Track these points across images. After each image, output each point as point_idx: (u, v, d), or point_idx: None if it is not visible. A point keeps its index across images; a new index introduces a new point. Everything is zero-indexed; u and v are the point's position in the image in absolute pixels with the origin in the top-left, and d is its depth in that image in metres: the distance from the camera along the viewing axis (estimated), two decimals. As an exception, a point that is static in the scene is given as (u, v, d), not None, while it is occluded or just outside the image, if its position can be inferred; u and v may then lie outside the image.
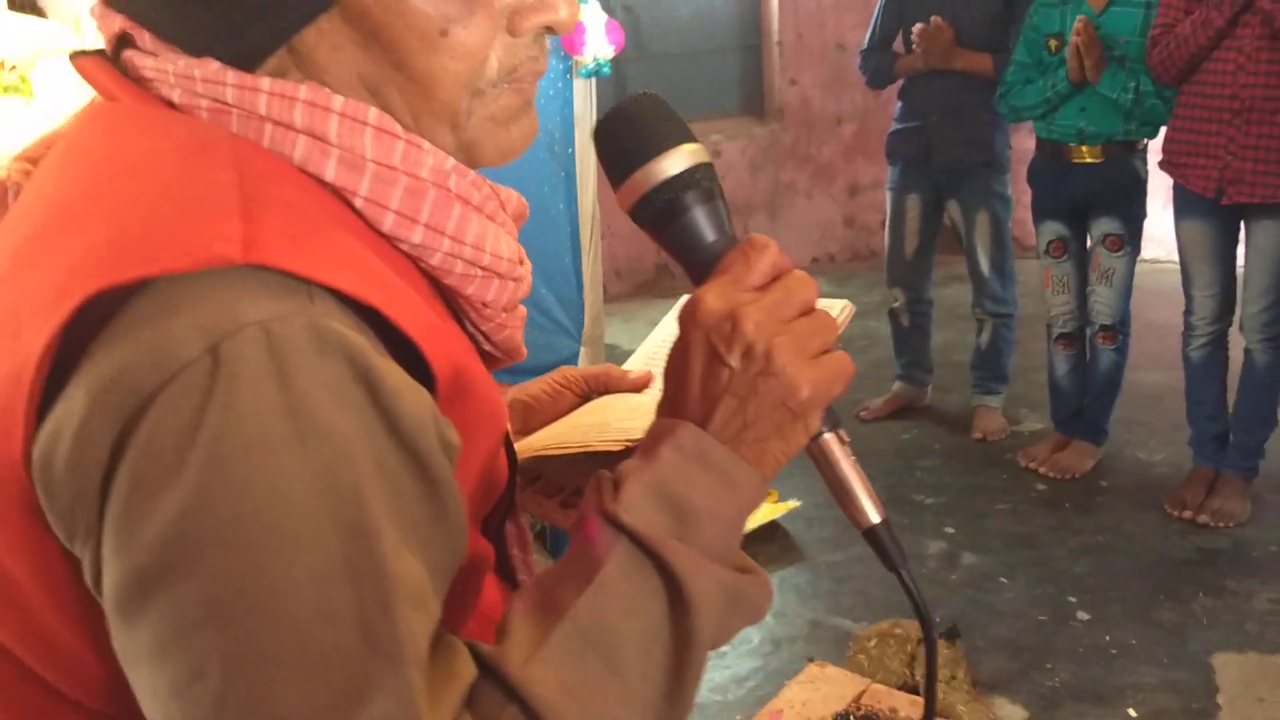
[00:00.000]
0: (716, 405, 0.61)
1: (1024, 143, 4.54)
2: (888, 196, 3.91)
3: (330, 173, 0.58)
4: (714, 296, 0.62)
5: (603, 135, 0.66)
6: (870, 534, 0.67)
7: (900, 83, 3.80)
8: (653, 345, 0.94)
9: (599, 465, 0.67)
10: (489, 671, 0.55)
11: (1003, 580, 3.01)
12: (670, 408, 0.63)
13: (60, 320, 0.50)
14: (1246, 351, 3.20)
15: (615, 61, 2.92)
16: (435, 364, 0.56)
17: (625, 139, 0.65)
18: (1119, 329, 3.49)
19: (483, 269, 0.63)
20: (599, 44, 2.77)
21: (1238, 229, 3.16)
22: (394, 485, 0.52)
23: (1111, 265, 3.41)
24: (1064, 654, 2.68)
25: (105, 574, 0.50)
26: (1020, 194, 3.93)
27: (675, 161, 0.65)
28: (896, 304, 3.99)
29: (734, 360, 0.61)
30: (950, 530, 3.28)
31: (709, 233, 0.65)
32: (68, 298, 0.51)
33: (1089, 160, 3.34)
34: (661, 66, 5.78)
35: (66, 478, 0.50)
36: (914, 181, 3.81)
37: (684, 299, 0.66)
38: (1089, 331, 3.55)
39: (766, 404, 0.61)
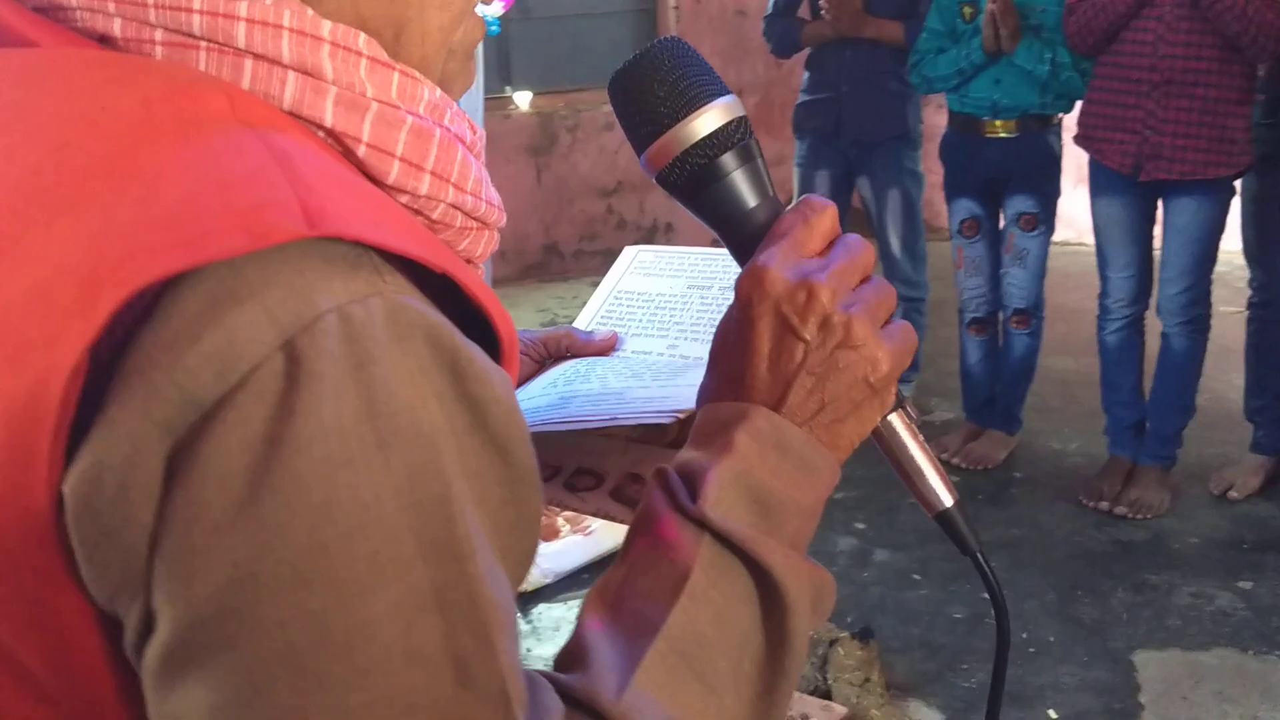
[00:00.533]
0: (791, 385, 0.61)
1: (934, 118, 4.59)
2: (795, 173, 3.93)
3: (329, 115, 0.55)
4: (780, 264, 0.61)
5: (621, 91, 0.65)
6: (944, 517, 0.67)
7: (807, 52, 3.81)
8: (602, 305, 0.92)
9: (603, 441, 0.64)
10: (578, 705, 0.54)
11: (916, 577, 3.03)
12: (731, 389, 0.62)
13: (95, 328, 0.46)
14: (1164, 335, 3.25)
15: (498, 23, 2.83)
16: (503, 335, 0.54)
17: (648, 94, 0.64)
18: (1033, 313, 3.52)
19: (478, 220, 0.61)
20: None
21: (1155, 208, 3.22)
22: (481, 491, 0.50)
23: (1025, 246, 3.45)
24: (981, 654, 2.70)
25: (157, 629, 0.47)
26: (930, 171, 3.97)
27: (709, 119, 0.64)
28: None
29: (809, 333, 0.61)
30: (861, 526, 3.29)
31: (750, 197, 0.65)
32: (95, 299, 0.46)
33: (1003, 135, 3.37)
34: (548, 29, 5.68)
35: (111, 518, 0.46)
36: (823, 157, 3.82)
37: (728, 267, 0.64)
38: (1002, 316, 3.60)
39: (845, 380, 0.61)
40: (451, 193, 0.58)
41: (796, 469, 0.60)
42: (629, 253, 0.95)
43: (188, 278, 0.47)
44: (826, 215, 0.64)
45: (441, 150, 0.58)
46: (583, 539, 3.09)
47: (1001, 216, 3.53)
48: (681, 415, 0.72)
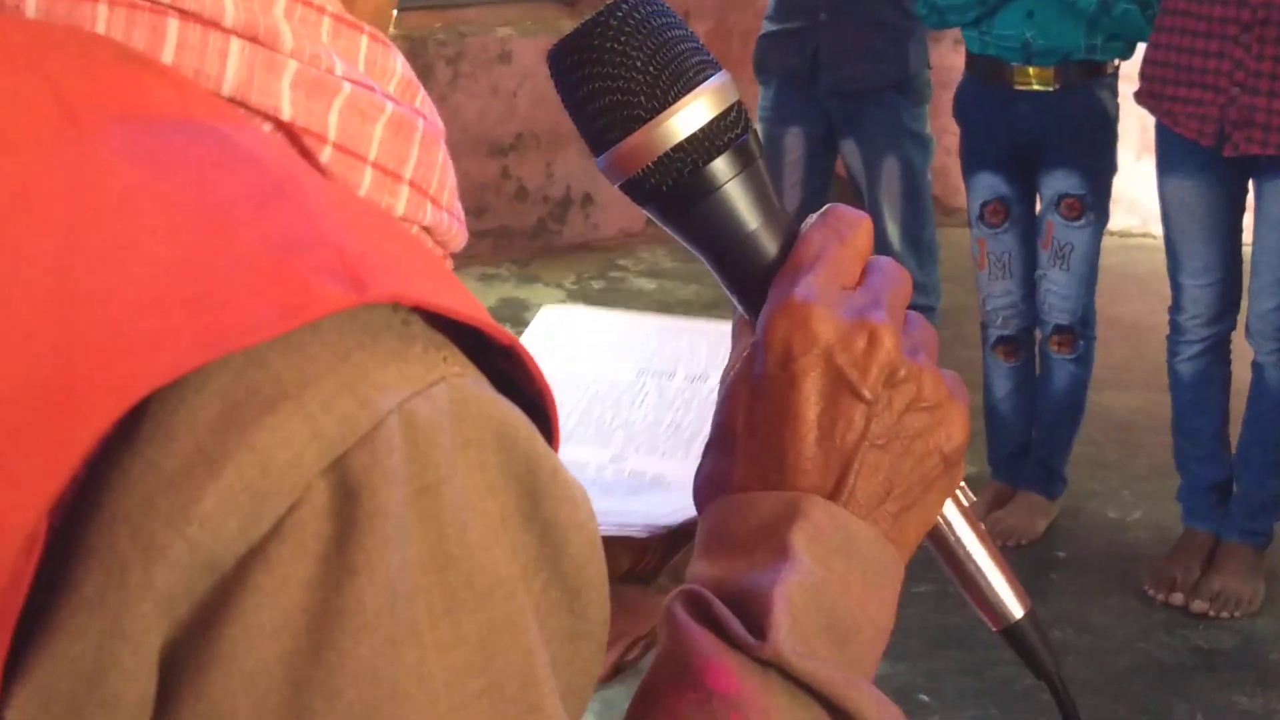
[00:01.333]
0: (851, 463, 0.64)
1: (947, 59, 4.59)
2: (757, 128, 3.94)
3: (287, 103, 0.56)
4: (826, 300, 0.64)
5: (572, 67, 0.66)
6: (1014, 633, 0.70)
7: (771, -37, 3.87)
8: None
9: None
10: None
11: (924, 699, 3.01)
12: (765, 472, 0.65)
13: (65, 469, 0.47)
14: (1256, 366, 3.27)
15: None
16: (556, 426, 0.56)
17: (613, 74, 0.65)
18: (1080, 331, 3.54)
19: (441, 244, 0.63)
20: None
21: (1245, 192, 3.24)
22: (557, 649, 0.54)
23: (1069, 240, 3.46)
24: (1017, 814, 2.72)
25: None
26: (943, 133, 4.05)
27: (697, 111, 0.65)
28: None
29: (870, 391, 0.63)
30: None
31: (751, 215, 0.67)
32: (62, 422, 0.47)
33: (1038, 88, 3.38)
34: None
35: None
36: (794, 109, 3.83)
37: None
38: (1039, 335, 3.62)
39: (916, 453, 0.65)
40: (429, 212, 0.60)
41: (868, 580, 0.63)
42: (547, 317, 0.97)
43: (190, 380, 0.47)
44: (862, 231, 0.67)
45: (423, 151, 0.60)
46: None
47: (1038, 198, 3.55)
48: (660, 531, 0.75)
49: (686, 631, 0.62)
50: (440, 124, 0.63)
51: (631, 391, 0.90)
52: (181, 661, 0.47)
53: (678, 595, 0.64)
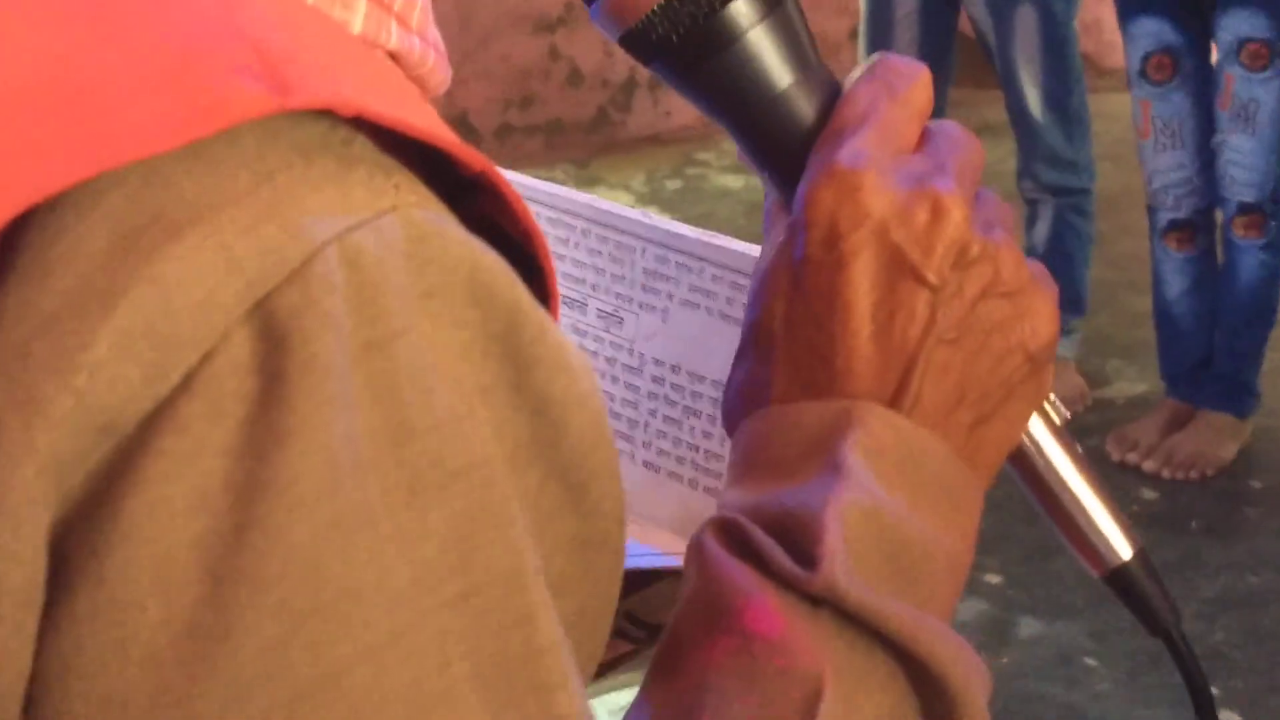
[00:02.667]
0: (915, 362, 0.63)
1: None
2: None
3: None
4: (878, 165, 0.64)
5: None
6: (1120, 577, 0.71)
7: None
8: None
9: None
10: None
11: (1089, 662, 3.04)
12: (810, 377, 0.65)
13: None
14: None
15: None
16: (551, 279, 0.57)
17: None
18: (1270, 210, 3.53)
19: (417, 79, 0.63)
20: None
21: None
22: (565, 561, 0.54)
23: (1253, 96, 3.44)
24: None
25: None
26: None
27: None
28: None
29: (936, 274, 0.63)
30: (994, 579, 3.31)
31: (783, 70, 0.67)
32: None
33: None
34: None
35: None
36: None
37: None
38: (1220, 217, 3.63)
39: (993, 350, 0.65)
40: (395, 33, 0.59)
41: (938, 504, 0.63)
42: None
43: (77, 195, 0.47)
44: (919, 85, 0.66)
45: None
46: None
47: (1213, 46, 3.54)
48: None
49: (720, 566, 0.62)
50: None
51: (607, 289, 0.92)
52: (78, 542, 0.47)
53: (708, 525, 0.64)
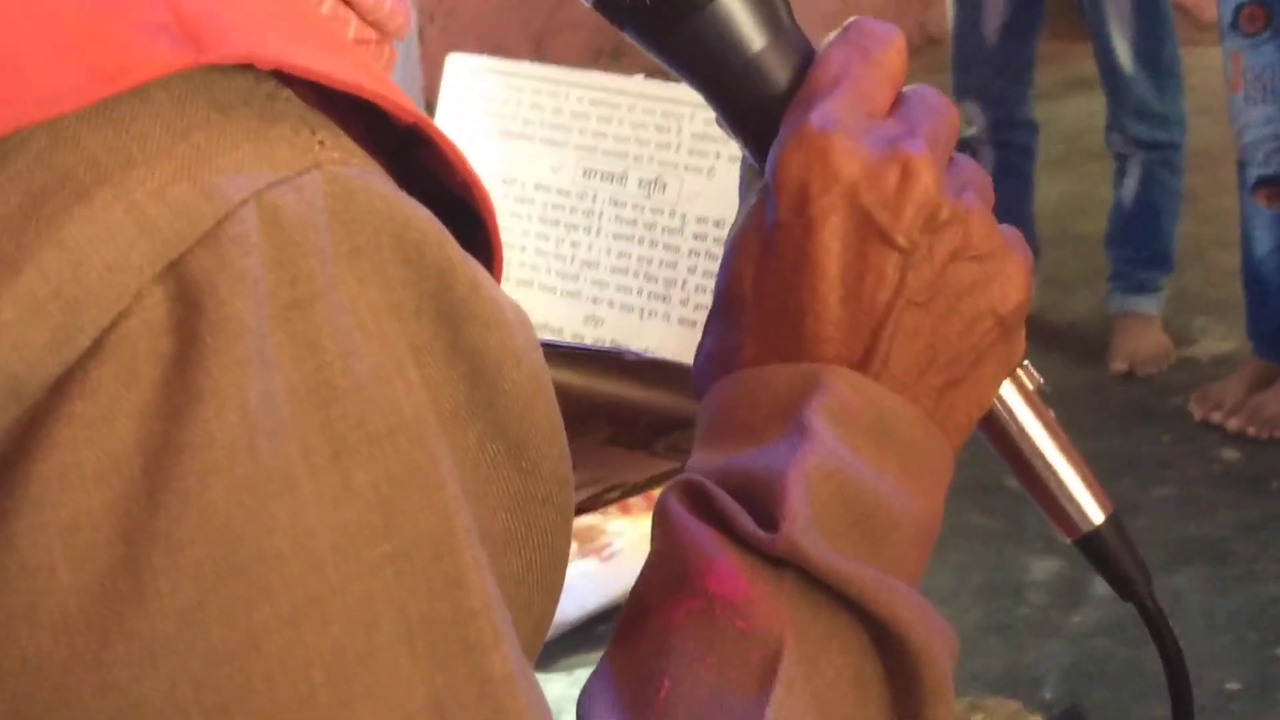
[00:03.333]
0: (884, 325, 0.63)
1: None
2: None
3: None
4: (849, 127, 0.64)
5: None
6: (1093, 543, 0.72)
7: None
8: None
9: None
10: None
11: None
12: (779, 340, 0.65)
13: None
14: None
15: None
16: (493, 230, 0.57)
17: None
18: None
19: (374, 25, 0.63)
20: None
21: None
22: (507, 519, 0.54)
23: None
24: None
25: None
26: None
27: None
28: (972, 130, 4.07)
29: (909, 237, 0.63)
30: (1068, 539, 3.27)
31: (755, 33, 0.67)
32: None
33: None
34: None
35: None
36: None
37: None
38: None
39: (965, 315, 0.65)
40: None
41: (906, 467, 0.63)
42: (457, 70, 1.04)
43: (10, 146, 0.47)
44: (893, 49, 0.66)
45: None
46: (599, 565, 3.10)
47: None
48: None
49: (683, 529, 0.62)
50: None
51: (584, 204, 0.93)
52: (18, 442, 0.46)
53: (672, 487, 0.64)
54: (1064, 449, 0.71)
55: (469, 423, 0.52)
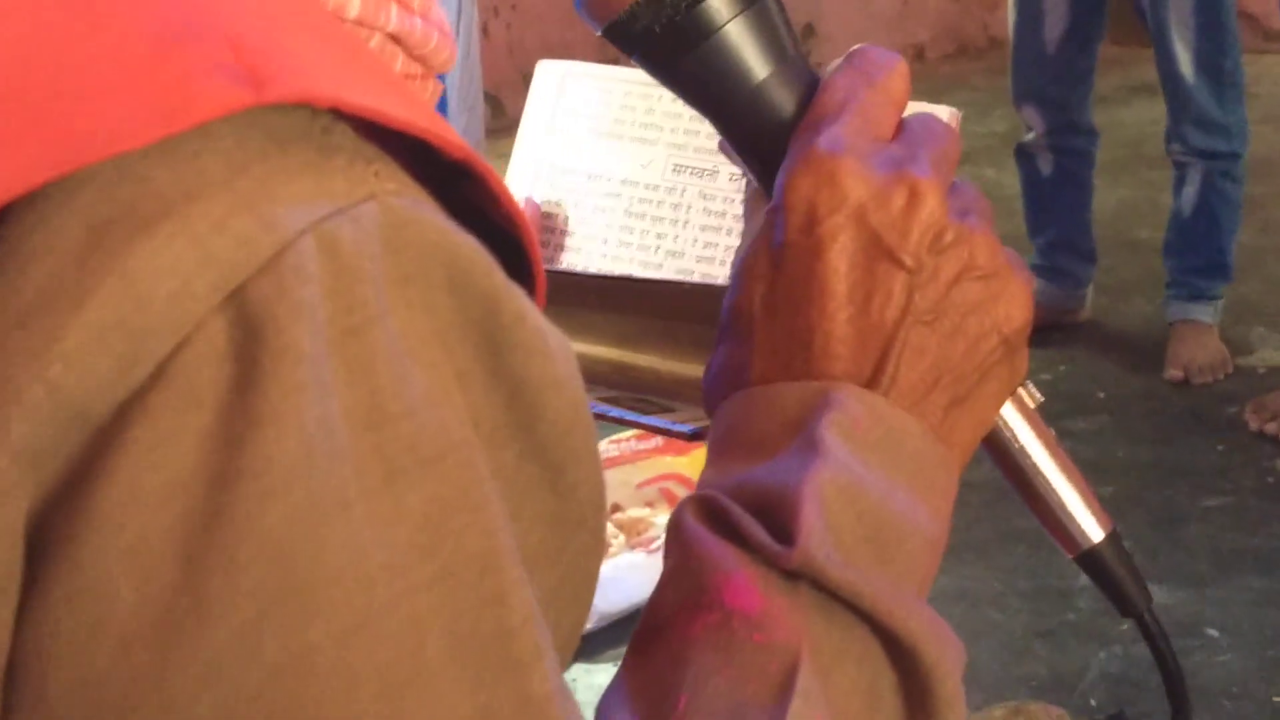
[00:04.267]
0: (892, 344, 0.65)
1: None
2: None
3: None
4: (855, 151, 0.65)
5: None
6: (1092, 559, 0.72)
7: None
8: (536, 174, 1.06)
9: None
10: None
11: (1212, 633, 3.02)
12: (788, 358, 0.66)
13: None
14: None
15: None
16: (537, 266, 0.57)
17: None
18: None
19: (420, 60, 0.64)
20: None
21: None
22: (541, 538, 0.54)
23: None
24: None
25: None
26: None
27: None
28: (1030, 136, 4.10)
29: (912, 257, 0.64)
30: (1124, 543, 3.26)
31: (759, 63, 0.68)
32: None
33: None
34: None
35: None
36: None
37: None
38: None
39: (970, 333, 0.66)
40: (395, 14, 0.60)
41: (914, 483, 0.64)
42: (548, 74, 1.05)
43: (52, 189, 0.47)
44: (896, 75, 0.67)
45: None
46: (646, 558, 3.10)
47: None
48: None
49: (699, 543, 0.63)
50: None
51: (672, 198, 0.95)
52: (54, 529, 0.47)
53: (687, 503, 0.64)
54: (1064, 467, 0.72)
55: (507, 443, 0.53)
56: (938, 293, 0.65)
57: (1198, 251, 3.98)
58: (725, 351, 0.68)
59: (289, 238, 0.48)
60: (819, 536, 0.61)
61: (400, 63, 0.62)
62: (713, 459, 0.67)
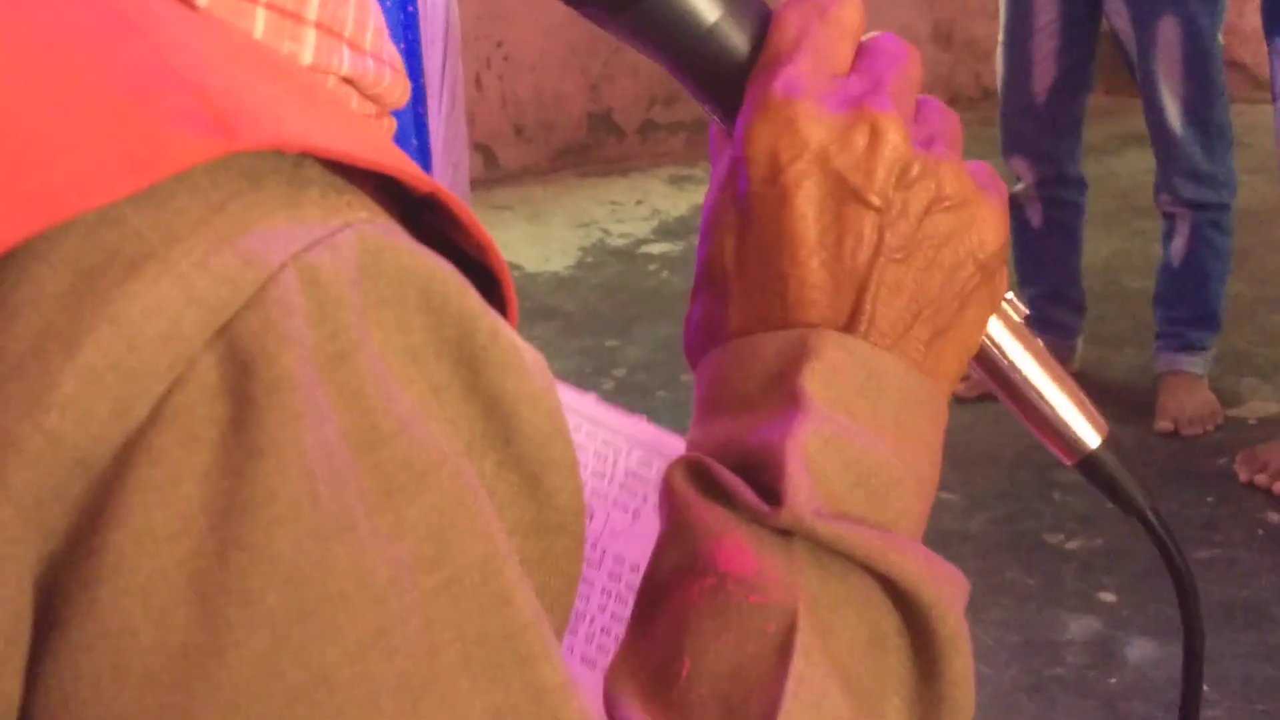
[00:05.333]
0: (866, 284, 0.64)
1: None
2: None
3: None
4: (811, 89, 0.64)
5: None
6: (1090, 463, 0.73)
7: None
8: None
9: None
10: None
11: (1208, 691, 2.99)
12: (764, 309, 0.66)
13: None
14: None
15: None
16: (506, 285, 0.58)
17: None
18: None
19: (373, 99, 0.64)
20: None
21: None
22: (523, 544, 0.55)
23: None
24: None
25: None
26: None
27: None
28: (1020, 187, 4.09)
29: (879, 195, 0.64)
30: (1109, 597, 3.29)
31: (709, 5, 0.67)
32: None
33: None
34: None
35: None
36: None
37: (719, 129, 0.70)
38: None
39: (944, 264, 0.65)
40: (347, 58, 0.60)
41: (902, 422, 0.64)
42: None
43: (33, 241, 0.47)
44: (849, 3, 0.66)
45: None
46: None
47: None
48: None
49: (690, 508, 0.63)
50: None
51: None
52: (65, 577, 0.47)
53: (675, 466, 0.65)
54: (1055, 376, 0.72)
55: (486, 453, 0.53)
56: (908, 228, 0.65)
57: (1187, 302, 3.97)
58: (701, 305, 0.69)
59: (271, 271, 0.48)
60: (806, 493, 0.61)
61: (355, 102, 0.62)
62: (698, 417, 0.67)
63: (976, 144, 5.84)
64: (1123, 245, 4.82)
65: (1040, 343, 0.72)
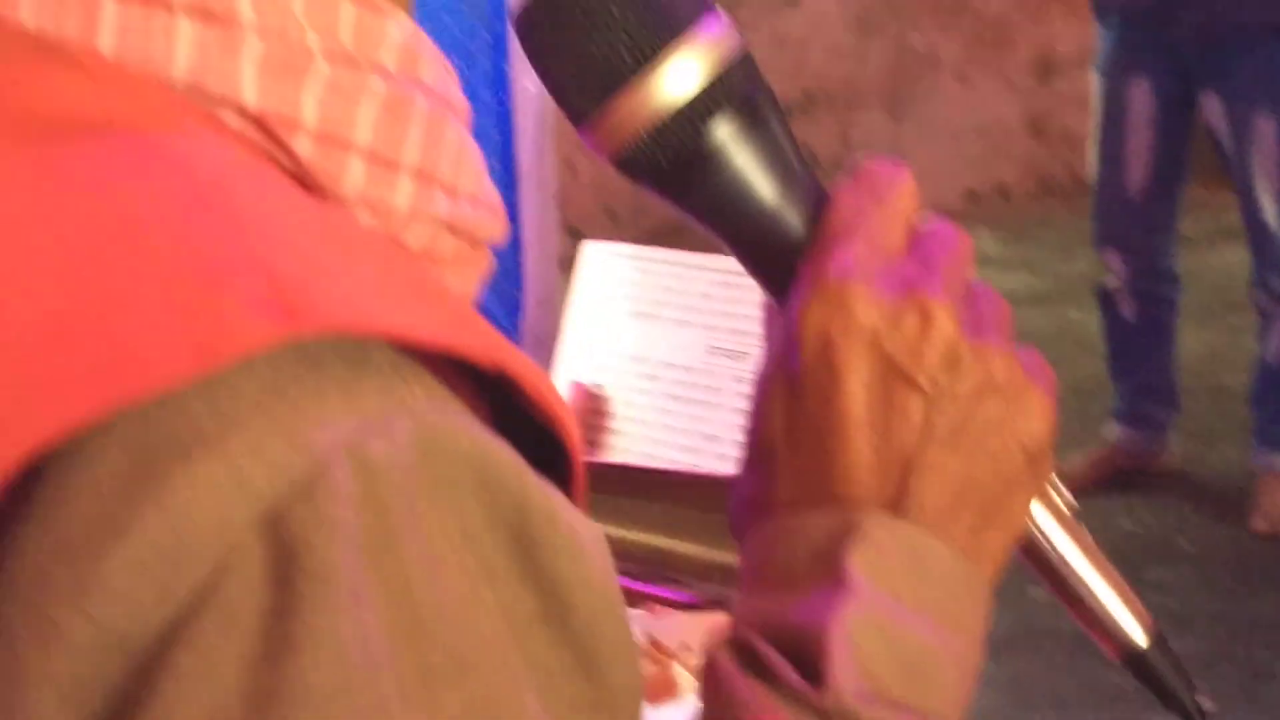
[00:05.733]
0: (913, 467, 0.65)
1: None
2: (1097, 82, 4.06)
3: (249, 87, 0.57)
4: (865, 274, 0.65)
5: (534, 27, 0.68)
6: (1139, 663, 0.71)
7: None
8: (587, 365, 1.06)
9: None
10: None
11: None
12: (810, 487, 0.66)
13: None
14: None
15: None
16: (576, 458, 0.57)
17: (579, 33, 0.67)
18: None
19: (468, 237, 0.65)
20: None
21: None
22: (566, 706, 0.54)
23: None
24: None
25: None
26: None
27: (687, 70, 0.66)
28: (1112, 280, 4.08)
29: (928, 379, 0.64)
30: (1206, 704, 3.22)
31: (767, 185, 0.68)
32: None
33: None
34: None
35: None
36: (1142, 57, 3.91)
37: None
38: None
39: (990, 451, 0.66)
40: (443, 203, 0.61)
41: (946, 608, 0.64)
42: (592, 257, 1.10)
43: (107, 429, 0.48)
44: (904, 190, 0.68)
45: (427, 131, 0.60)
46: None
47: None
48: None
49: (731, 684, 0.63)
50: (456, 95, 0.63)
51: (708, 380, 0.96)
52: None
53: (720, 643, 0.65)
54: (1101, 569, 0.71)
55: (539, 632, 0.53)
56: (957, 413, 0.65)
57: (1284, 401, 3.95)
58: (748, 479, 0.69)
59: (322, 459, 0.48)
60: (849, 675, 0.61)
61: (450, 245, 0.63)
62: (745, 592, 0.68)
63: (1070, 233, 5.84)
64: (1217, 340, 4.79)
65: (1086, 532, 0.71)
